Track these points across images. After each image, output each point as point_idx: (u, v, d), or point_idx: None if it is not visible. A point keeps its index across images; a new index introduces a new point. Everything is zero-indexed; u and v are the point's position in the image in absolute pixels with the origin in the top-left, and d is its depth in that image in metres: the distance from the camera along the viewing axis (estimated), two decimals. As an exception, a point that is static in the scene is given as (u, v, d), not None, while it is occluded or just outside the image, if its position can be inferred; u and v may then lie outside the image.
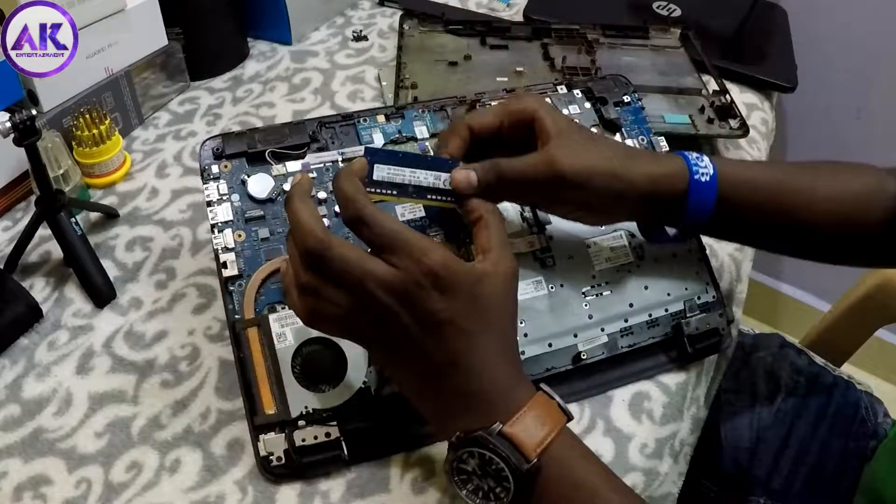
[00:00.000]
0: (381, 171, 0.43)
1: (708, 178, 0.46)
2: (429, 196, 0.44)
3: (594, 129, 0.56)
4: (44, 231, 0.56)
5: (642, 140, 0.57)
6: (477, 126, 0.47)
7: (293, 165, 0.50)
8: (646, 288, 0.52)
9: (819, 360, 0.73)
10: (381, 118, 0.54)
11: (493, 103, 0.56)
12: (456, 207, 0.45)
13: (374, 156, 0.44)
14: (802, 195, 0.48)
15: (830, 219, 0.48)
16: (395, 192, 0.44)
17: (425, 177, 0.44)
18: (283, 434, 0.44)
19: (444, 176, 0.45)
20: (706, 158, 0.47)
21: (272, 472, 0.44)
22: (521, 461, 0.36)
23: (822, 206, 0.48)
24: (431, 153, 0.53)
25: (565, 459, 0.38)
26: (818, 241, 0.50)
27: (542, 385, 0.39)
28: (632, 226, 0.53)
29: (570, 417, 0.39)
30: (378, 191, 0.43)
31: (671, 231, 0.50)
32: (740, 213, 0.48)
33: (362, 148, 0.52)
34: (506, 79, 0.73)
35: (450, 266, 0.37)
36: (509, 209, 0.52)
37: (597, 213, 0.47)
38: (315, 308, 0.39)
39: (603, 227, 0.53)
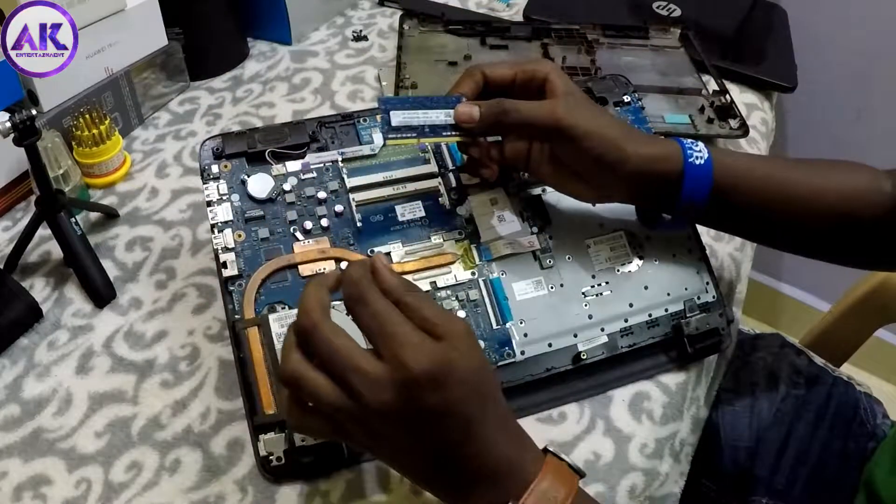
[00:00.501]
0: (398, 117, 0.46)
1: (703, 162, 0.47)
2: (443, 133, 0.46)
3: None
4: (44, 231, 0.56)
5: (642, 140, 0.57)
6: (490, 73, 0.48)
7: (293, 165, 0.51)
8: (646, 288, 0.52)
9: (819, 360, 0.73)
10: (380, 118, 0.54)
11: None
12: (461, 139, 0.48)
13: (387, 104, 0.46)
14: (797, 188, 0.49)
15: (824, 213, 0.49)
16: (414, 135, 0.46)
17: (437, 115, 0.47)
18: (283, 434, 0.44)
19: (452, 111, 0.47)
20: (701, 144, 0.48)
21: (272, 472, 0.44)
22: None
23: (816, 200, 0.49)
24: (432, 153, 0.53)
25: None
26: (812, 236, 0.51)
27: (549, 447, 0.38)
28: (632, 225, 0.53)
29: (581, 475, 0.38)
30: (398, 136, 0.46)
31: (667, 217, 0.50)
32: (735, 201, 0.48)
33: (362, 148, 0.52)
34: (506, 79, 0.73)
35: (443, 359, 0.35)
36: (509, 207, 0.52)
37: (589, 183, 0.48)
38: (301, 397, 0.37)
39: (602, 227, 0.53)
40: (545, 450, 0.38)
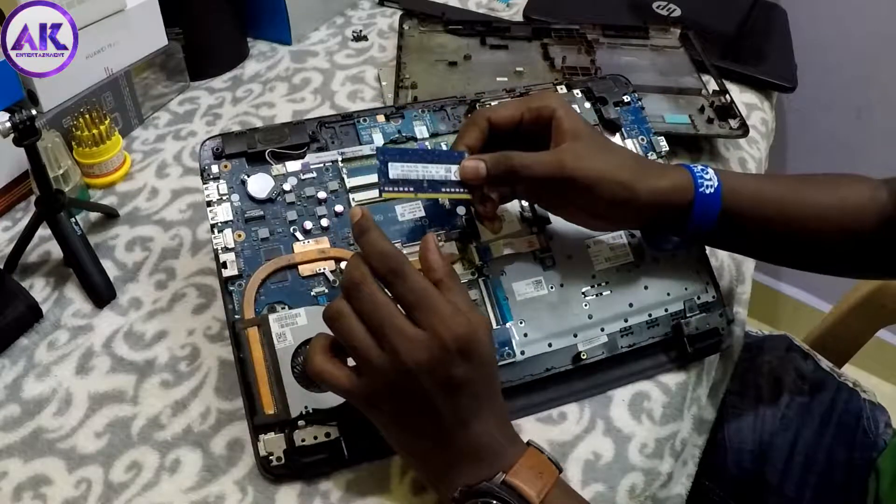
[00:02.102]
0: (396, 170, 0.44)
1: (712, 191, 0.47)
2: (443, 189, 0.45)
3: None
4: (44, 231, 0.56)
5: (642, 140, 0.57)
6: (495, 118, 0.47)
7: (293, 165, 0.50)
8: (646, 288, 0.52)
9: (825, 363, 0.73)
10: (380, 118, 0.54)
11: (493, 103, 0.56)
12: (471, 199, 0.46)
13: (386, 154, 0.44)
14: (803, 208, 0.49)
15: (829, 230, 0.49)
16: (411, 189, 0.44)
17: (437, 170, 0.45)
18: (283, 434, 0.44)
19: (455, 168, 0.45)
20: (711, 171, 0.48)
21: (272, 472, 0.44)
22: None
23: (821, 219, 0.49)
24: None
25: None
26: (816, 253, 0.51)
27: (531, 441, 0.41)
28: (632, 226, 0.53)
29: (560, 469, 0.40)
30: (395, 189, 0.44)
31: (674, 239, 0.51)
32: (742, 224, 0.49)
33: (362, 148, 0.52)
34: (506, 79, 0.73)
35: (475, 334, 0.39)
36: (508, 208, 0.52)
37: (602, 219, 0.48)
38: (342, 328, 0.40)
39: (603, 227, 0.53)
40: (528, 443, 0.41)
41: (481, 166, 0.45)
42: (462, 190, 0.45)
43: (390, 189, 0.44)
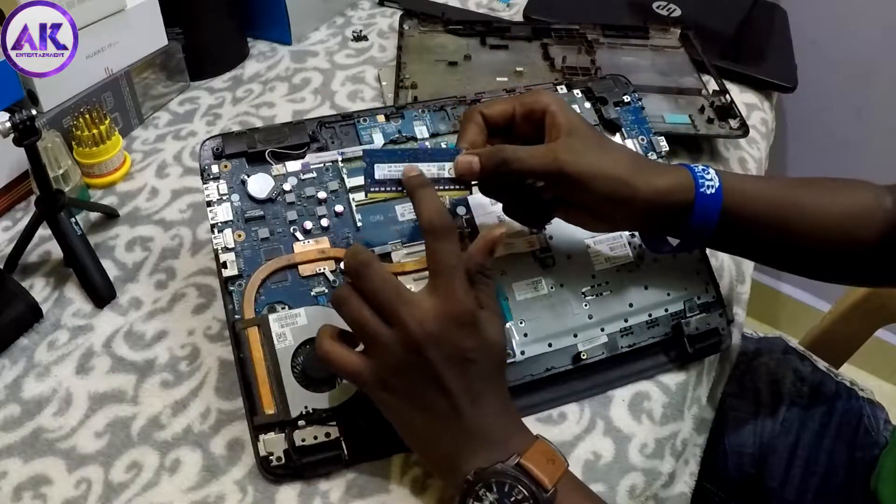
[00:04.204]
0: (382, 170, 0.44)
1: (713, 192, 0.46)
2: (436, 187, 0.45)
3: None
4: (44, 231, 0.56)
5: (642, 140, 0.57)
6: (488, 112, 0.47)
7: (293, 165, 0.50)
8: (646, 288, 0.52)
9: (822, 364, 0.73)
10: (381, 118, 0.54)
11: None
12: (466, 195, 0.46)
13: (371, 156, 0.45)
14: (803, 212, 0.48)
15: (831, 235, 0.49)
16: (399, 188, 0.45)
17: (428, 169, 0.45)
18: (283, 434, 0.44)
19: (448, 165, 0.45)
20: (712, 171, 0.47)
21: (272, 472, 0.44)
22: (540, 491, 0.37)
23: (822, 224, 0.49)
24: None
25: (572, 496, 0.39)
26: (817, 258, 0.51)
27: (539, 434, 0.41)
28: (632, 226, 0.53)
29: (566, 461, 0.40)
30: (381, 189, 0.44)
31: (673, 241, 0.50)
32: (743, 226, 0.48)
33: (362, 148, 0.52)
34: (506, 79, 0.73)
35: (483, 313, 0.40)
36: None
37: (599, 218, 0.47)
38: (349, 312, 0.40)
39: (603, 228, 0.53)
40: (536, 436, 0.42)
41: (475, 161, 0.44)
42: (457, 187, 0.46)
43: (375, 189, 0.45)
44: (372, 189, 0.45)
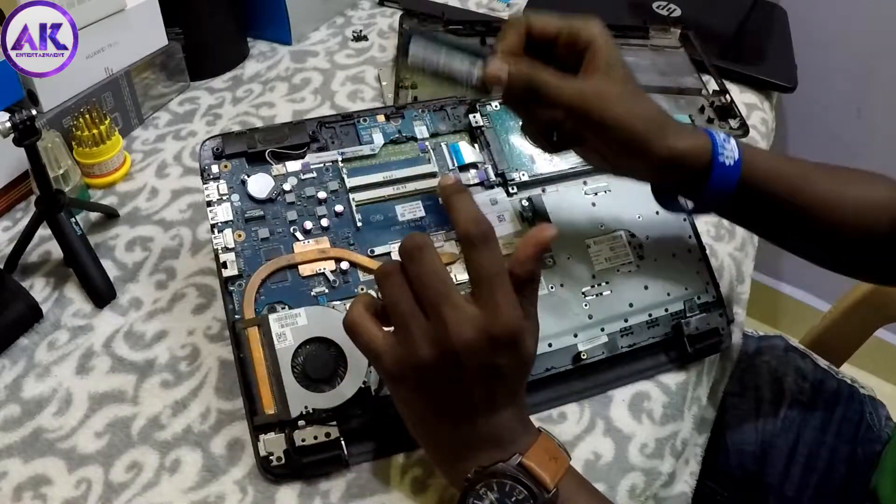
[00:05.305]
0: (417, 45, 0.44)
1: (732, 163, 0.45)
2: (458, 79, 0.44)
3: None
4: (44, 231, 0.56)
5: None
6: (534, 24, 0.45)
7: (293, 165, 0.51)
8: (646, 288, 0.52)
9: (823, 362, 0.73)
10: (381, 118, 0.54)
11: (493, 103, 0.56)
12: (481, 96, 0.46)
13: (413, 33, 0.45)
14: (818, 193, 0.48)
15: (845, 222, 0.48)
16: (430, 71, 0.45)
17: (460, 62, 0.45)
18: (283, 434, 0.44)
19: (480, 63, 0.45)
20: (733, 142, 0.46)
21: (272, 472, 0.44)
22: (541, 490, 0.37)
23: (836, 208, 0.48)
24: (432, 153, 0.53)
25: (575, 494, 0.39)
26: (830, 245, 0.50)
27: (541, 427, 0.41)
28: (632, 225, 0.53)
29: (569, 457, 0.40)
30: (416, 64, 0.45)
31: (689, 205, 0.49)
32: (759, 201, 0.47)
33: (362, 148, 0.52)
34: (506, 79, 0.73)
35: (527, 332, 0.38)
36: (508, 208, 0.52)
37: (612, 163, 0.47)
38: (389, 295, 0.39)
39: (602, 227, 0.53)
40: (539, 429, 0.41)
41: (505, 70, 0.43)
42: (474, 85, 0.45)
43: (407, 64, 0.46)
44: (402, 62, 0.45)
